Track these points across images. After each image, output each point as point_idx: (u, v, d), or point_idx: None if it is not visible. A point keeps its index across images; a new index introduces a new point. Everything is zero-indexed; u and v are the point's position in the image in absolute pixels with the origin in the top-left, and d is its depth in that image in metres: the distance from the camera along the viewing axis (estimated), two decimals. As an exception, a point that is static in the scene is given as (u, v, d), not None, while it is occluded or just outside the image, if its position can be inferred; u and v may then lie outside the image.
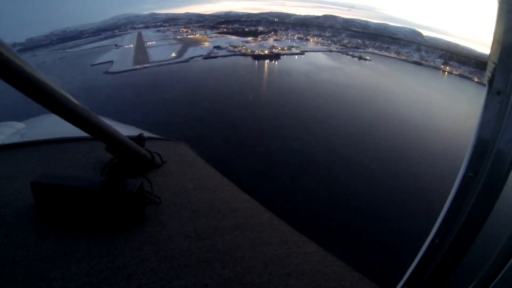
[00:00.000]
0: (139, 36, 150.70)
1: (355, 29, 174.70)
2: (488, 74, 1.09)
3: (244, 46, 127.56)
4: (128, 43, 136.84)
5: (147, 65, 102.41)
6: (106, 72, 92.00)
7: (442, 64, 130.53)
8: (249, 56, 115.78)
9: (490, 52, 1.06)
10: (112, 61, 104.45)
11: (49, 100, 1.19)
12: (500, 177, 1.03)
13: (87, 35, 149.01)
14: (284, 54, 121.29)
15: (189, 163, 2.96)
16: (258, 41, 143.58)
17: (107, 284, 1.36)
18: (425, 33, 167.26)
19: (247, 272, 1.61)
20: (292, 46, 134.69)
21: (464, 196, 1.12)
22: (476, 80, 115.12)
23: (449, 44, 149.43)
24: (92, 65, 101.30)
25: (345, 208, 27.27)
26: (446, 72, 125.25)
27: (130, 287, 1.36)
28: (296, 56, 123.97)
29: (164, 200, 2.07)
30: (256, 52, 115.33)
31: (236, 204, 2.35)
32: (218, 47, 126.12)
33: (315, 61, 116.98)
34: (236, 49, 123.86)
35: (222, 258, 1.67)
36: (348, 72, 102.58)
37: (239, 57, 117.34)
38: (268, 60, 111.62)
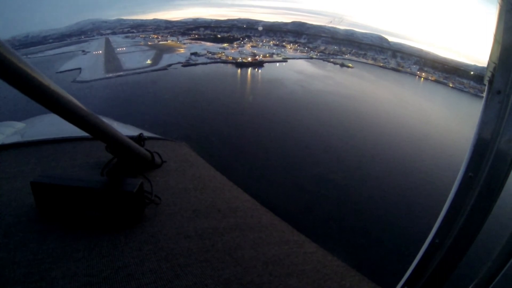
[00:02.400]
0: (107, 42, 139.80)
1: (324, 35, 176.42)
2: (488, 74, 1.08)
3: (223, 52, 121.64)
4: (96, 49, 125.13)
5: (121, 73, 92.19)
6: (75, 81, 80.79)
7: (418, 70, 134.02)
8: (231, 64, 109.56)
9: (490, 52, 1.06)
10: (80, 68, 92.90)
11: (48, 100, 1.19)
12: (500, 177, 1.04)
13: (51, 40, 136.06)
14: (267, 62, 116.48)
15: (189, 163, 2.90)
16: (235, 48, 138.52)
17: (107, 284, 1.35)
18: (390, 38, 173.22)
19: (247, 272, 1.60)
20: (274, 53, 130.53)
21: (464, 196, 1.12)
22: (451, 85, 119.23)
23: (413, 49, 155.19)
24: (58, 72, 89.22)
25: (345, 208, 27.15)
26: (422, 78, 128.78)
27: (130, 287, 1.36)
28: (278, 64, 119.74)
29: (164, 200, 2.06)
30: (240, 60, 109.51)
31: (236, 204, 2.34)
32: (195, 54, 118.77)
33: (302, 69, 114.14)
34: (215, 56, 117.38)
35: (222, 258, 1.66)
36: (338, 81, 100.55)
37: (221, 64, 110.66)
38: (252, 68, 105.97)
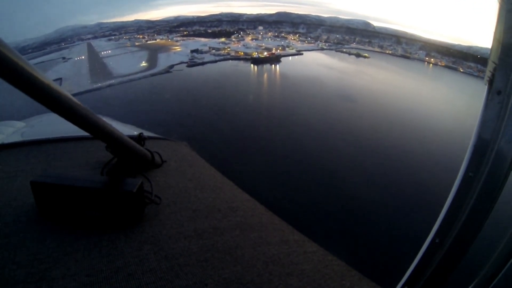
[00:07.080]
0: (90, 46, 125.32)
1: (309, 23, 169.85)
2: (488, 73, 1.08)
3: (228, 47, 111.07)
4: (78, 55, 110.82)
5: (112, 81, 78.10)
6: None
7: (426, 56, 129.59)
8: (243, 60, 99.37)
9: (491, 51, 1.06)
10: (60, 79, 77.82)
11: (49, 99, 1.18)
12: (500, 177, 1.04)
13: (30, 50, 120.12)
14: (283, 56, 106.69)
15: (189, 163, 2.93)
16: (237, 42, 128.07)
17: (107, 284, 1.35)
18: (374, 23, 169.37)
19: (247, 272, 1.60)
20: (284, 46, 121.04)
21: (464, 196, 1.12)
22: (461, 70, 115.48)
23: (397, 32, 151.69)
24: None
25: (345, 207, 26.82)
26: (431, 65, 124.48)
27: (130, 287, 1.36)
28: (291, 58, 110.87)
29: (164, 200, 2.06)
30: (256, 55, 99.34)
31: (236, 204, 2.35)
32: (197, 51, 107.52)
33: (324, 62, 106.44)
34: (221, 52, 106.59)
35: (222, 257, 1.66)
36: (371, 74, 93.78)
37: (232, 61, 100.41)
38: (269, 64, 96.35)
